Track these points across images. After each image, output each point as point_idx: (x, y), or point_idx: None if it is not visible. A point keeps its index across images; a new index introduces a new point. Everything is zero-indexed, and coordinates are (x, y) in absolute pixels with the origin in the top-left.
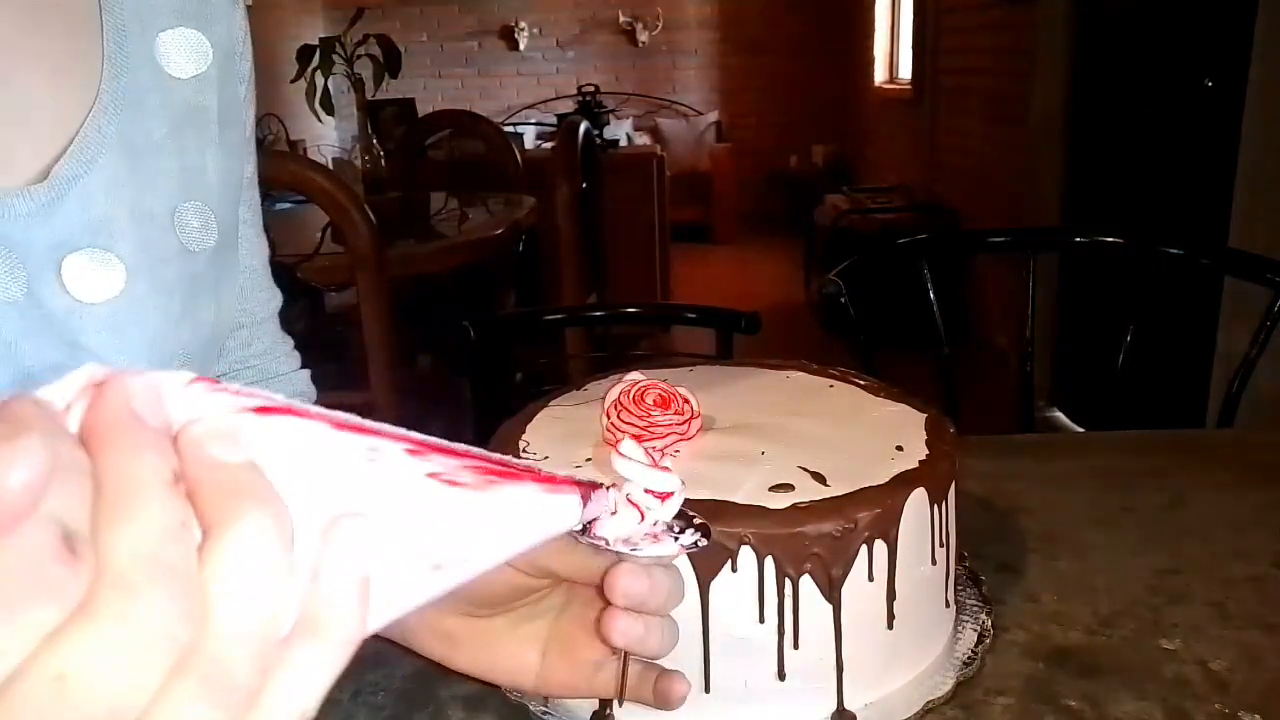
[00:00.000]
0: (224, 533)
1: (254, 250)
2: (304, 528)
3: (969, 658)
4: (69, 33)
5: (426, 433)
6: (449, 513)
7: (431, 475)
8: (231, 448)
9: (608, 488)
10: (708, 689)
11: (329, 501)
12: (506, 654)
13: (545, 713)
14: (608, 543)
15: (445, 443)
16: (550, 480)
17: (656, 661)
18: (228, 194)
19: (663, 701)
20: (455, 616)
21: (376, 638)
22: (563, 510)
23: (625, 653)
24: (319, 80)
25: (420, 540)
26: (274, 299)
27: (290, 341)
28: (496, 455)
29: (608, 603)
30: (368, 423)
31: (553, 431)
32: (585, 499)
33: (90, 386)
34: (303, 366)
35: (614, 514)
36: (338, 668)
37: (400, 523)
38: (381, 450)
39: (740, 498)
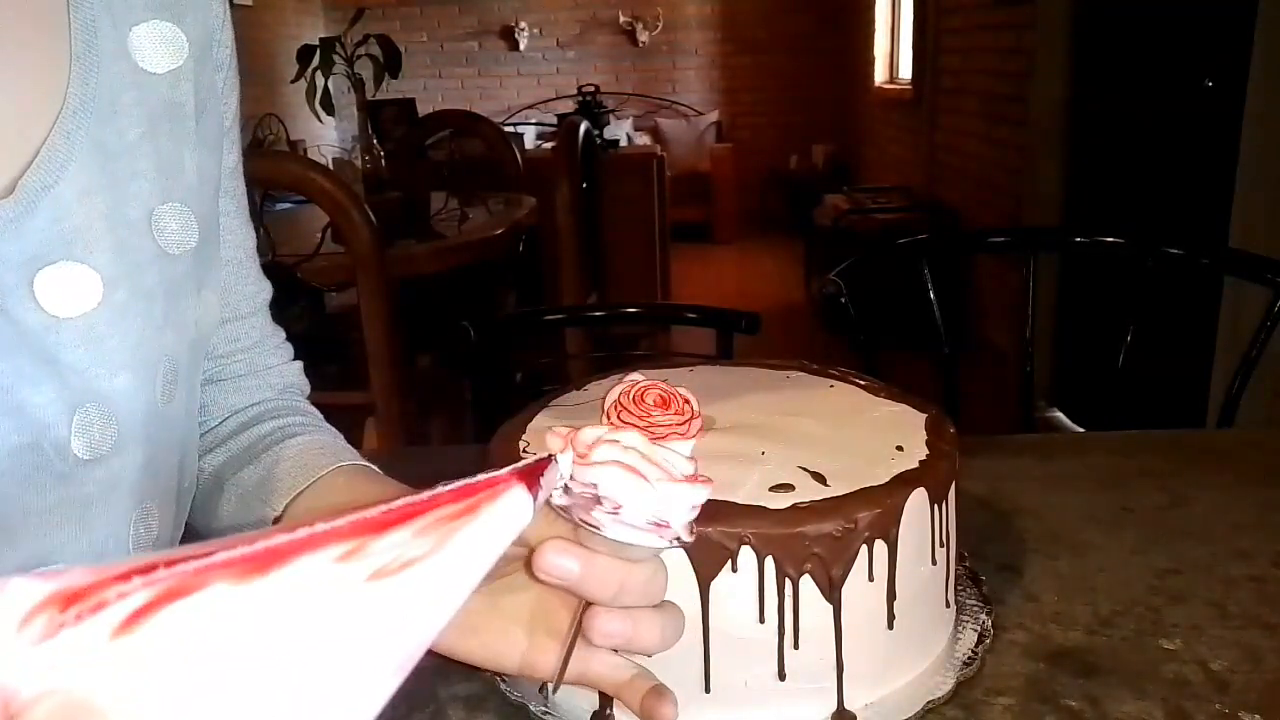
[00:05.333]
0: None
1: (238, 242)
2: None
3: (969, 658)
4: (33, 33)
5: (427, 432)
6: (403, 605)
7: (374, 576)
8: None
9: (552, 458)
10: (708, 689)
11: (242, 690)
12: (492, 634)
13: (545, 712)
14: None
15: (396, 505)
16: (494, 485)
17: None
18: (206, 189)
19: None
20: None
21: None
22: (517, 513)
23: (575, 630)
24: (319, 80)
25: (377, 652)
26: (261, 291)
27: (281, 334)
28: (447, 487)
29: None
30: (291, 535)
31: None
32: (533, 488)
33: None
34: (304, 366)
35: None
36: None
37: (346, 653)
38: (305, 572)
39: (740, 498)
